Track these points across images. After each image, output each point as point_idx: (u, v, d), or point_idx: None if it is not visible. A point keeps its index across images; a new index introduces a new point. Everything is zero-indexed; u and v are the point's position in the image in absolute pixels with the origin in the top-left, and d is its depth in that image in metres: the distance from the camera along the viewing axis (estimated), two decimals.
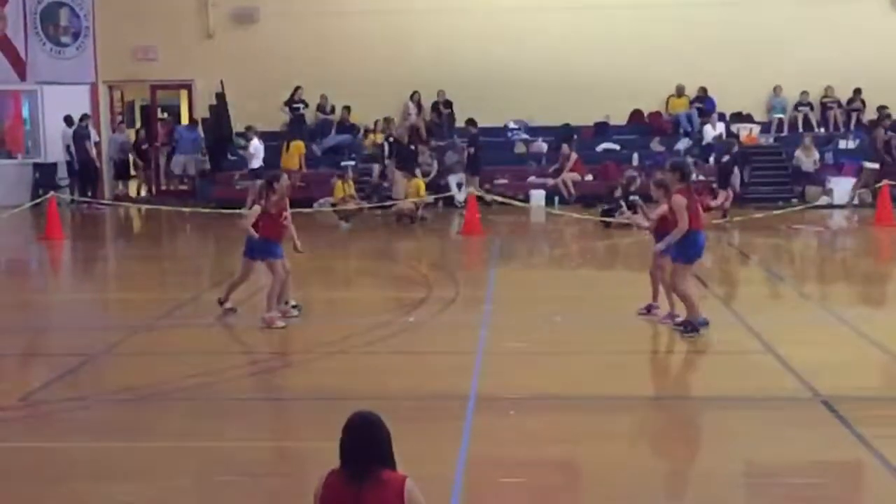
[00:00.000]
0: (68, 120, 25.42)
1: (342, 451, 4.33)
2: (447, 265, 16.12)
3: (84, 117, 25.45)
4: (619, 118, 26.53)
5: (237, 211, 19.92)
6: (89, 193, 24.70)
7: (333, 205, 21.40)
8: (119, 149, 26.98)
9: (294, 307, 11.54)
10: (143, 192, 26.88)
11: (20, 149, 26.98)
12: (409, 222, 20.82)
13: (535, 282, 12.43)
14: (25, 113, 26.88)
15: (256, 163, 23.32)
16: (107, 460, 7.15)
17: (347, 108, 25.98)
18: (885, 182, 20.52)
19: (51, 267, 17.91)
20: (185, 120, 28.69)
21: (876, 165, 23.05)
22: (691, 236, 10.32)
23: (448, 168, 24.11)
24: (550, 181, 24.15)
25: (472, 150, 23.78)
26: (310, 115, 26.34)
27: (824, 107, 25.98)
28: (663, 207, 10.71)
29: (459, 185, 23.55)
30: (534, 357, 10.27)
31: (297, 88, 25.79)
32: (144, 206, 23.84)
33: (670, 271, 10.81)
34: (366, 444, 4.29)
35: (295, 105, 25.90)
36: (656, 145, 25.62)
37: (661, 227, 10.82)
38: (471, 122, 24.30)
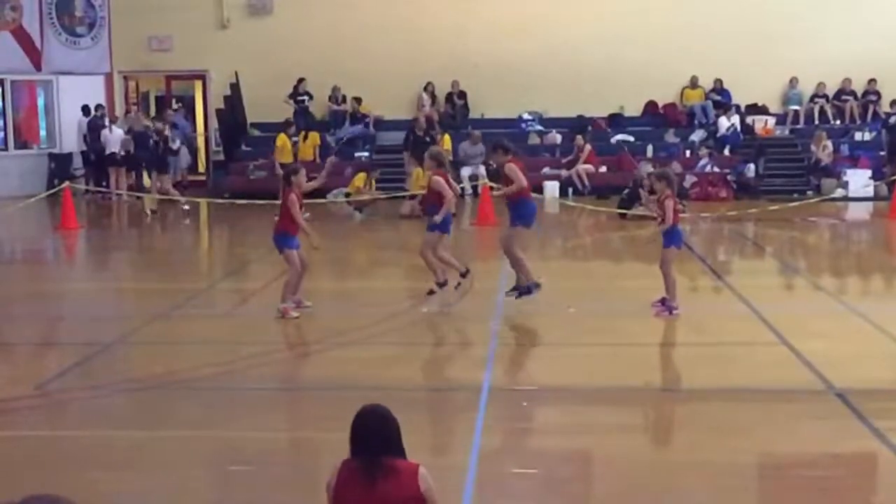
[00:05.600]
0: (85, 110, 25.51)
1: (353, 443, 4.35)
2: (460, 256, 16.09)
3: (98, 107, 25.54)
4: (634, 109, 26.48)
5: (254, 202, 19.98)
6: (104, 183, 24.77)
7: (347, 194, 21.39)
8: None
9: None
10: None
11: (35, 139, 27.06)
12: (421, 215, 20.73)
13: (549, 273, 12.40)
14: (41, 103, 26.95)
15: (110, 149, 23.85)
16: (121, 449, 7.18)
17: (357, 100, 25.99)
18: None
19: (66, 256, 17.97)
20: (199, 111, 28.75)
21: None
22: (527, 203, 11.35)
23: (461, 161, 24.03)
24: (564, 172, 24.12)
25: None
26: (319, 107, 26.31)
27: (840, 99, 25.86)
28: (668, 203, 10.85)
29: (473, 178, 23.48)
30: (547, 348, 10.28)
31: (300, 80, 25.76)
32: (158, 197, 23.87)
33: (661, 258, 11.06)
34: (376, 437, 4.32)
35: (299, 97, 25.88)
36: (671, 137, 25.59)
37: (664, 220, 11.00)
38: None
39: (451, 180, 11.81)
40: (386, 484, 4.24)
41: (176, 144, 24.69)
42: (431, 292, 11.71)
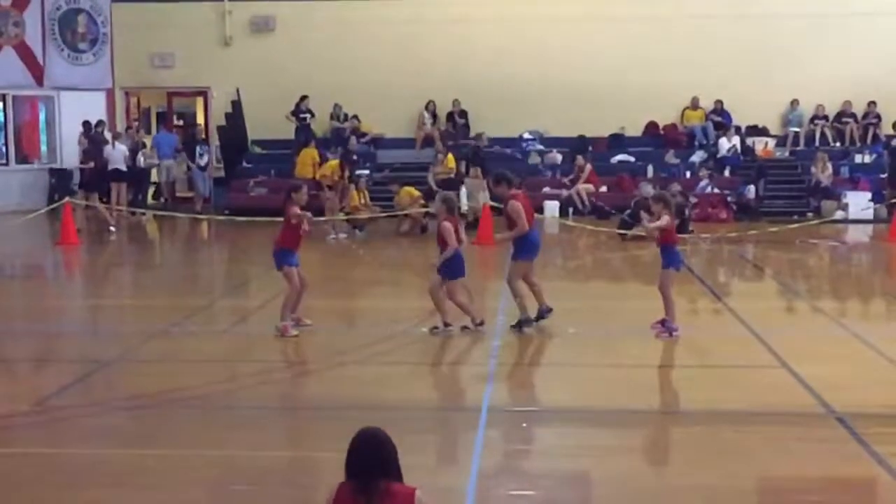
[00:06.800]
0: (86, 125, 25.54)
1: (349, 467, 4.35)
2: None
3: (100, 123, 25.58)
4: (635, 130, 26.54)
5: (253, 219, 20.01)
6: (105, 199, 24.77)
7: (347, 213, 21.39)
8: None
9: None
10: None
11: (36, 154, 27.09)
12: (419, 233, 20.68)
13: (549, 293, 12.37)
14: (42, 118, 27.00)
15: (112, 165, 23.97)
16: (119, 467, 7.16)
17: (357, 118, 26.03)
18: None
19: (66, 272, 17.96)
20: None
21: None
22: (530, 235, 11.26)
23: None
24: (565, 192, 24.15)
25: None
26: (321, 125, 26.38)
27: (840, 121, 25.93)
28: (663, 220, 10.90)
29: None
30: (546, 369, 10.29)
31: (302, 98, 25.87)
32: (159, 213, 23.92)
33: (660, 279, 11.07)
34: (373, 460, 4.33)
35: (301, 115, 25.96)
36: (671, 157, 25.64)
37: (662, 240, 11.04)
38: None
39: (461, 230, 11.49)
40: None
41: (204, 161, 24.77)
42: (465, 327, 11.36)
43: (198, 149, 24.77)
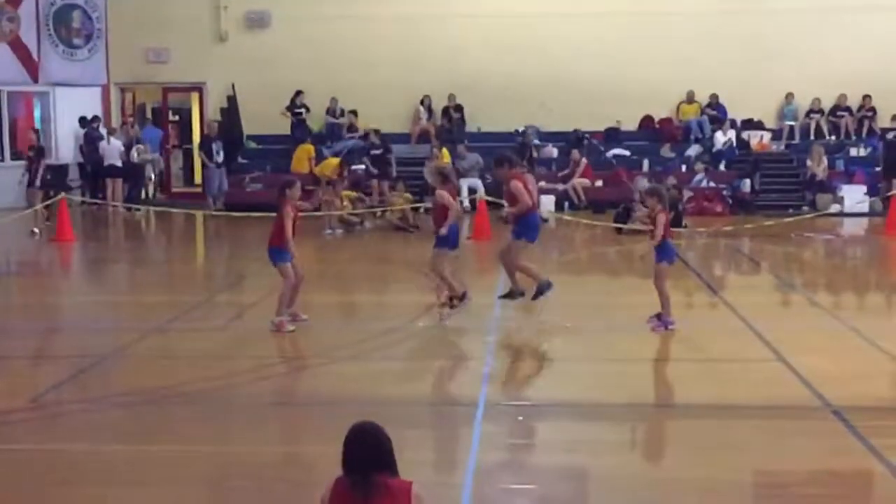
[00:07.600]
0: (82, 121, 25.52)
1: (345, 461, 4.35)
2: (456, 270, 16.07)
3: (95, 119, 25.55)
4: (630, 124, 26.53)
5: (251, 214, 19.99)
6: (100, 195, 24.77)
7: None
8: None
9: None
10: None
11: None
12: (407, 231, 20.58)
13: None
14: (37, 114, 26.94)
15: (108, 160, 24.22)
16: (116, 464, 7.16)
17: (354, 112, 26.01)
18: None
19: (61, 268, 17.93)
20: (195, 123, 28.78)
21: None
22: (531, 216, 11.24)
23: (461, 174, 24.02)
24: (560, 187, 24.15)
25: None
26: (317, 120, 26.36)
27: (836, 115, 25.94)
28: (659, 219, 10.94)
29: (472, 191, 23.48)
30: (543, 363, 10.29)
31: (297, 93, 25.87)
32: (155, 209, 23.89)
33: (654, 273, 11.03)
34: (369, 454, 4.32)
35: (297, 110, 25.94)
36: (667, 151, 25.65)
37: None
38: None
39: (456, 196, 11.66)
40: (378, 501, 4.23)
41: (220, 157, 24.70)
42: (445, 305, 11.48)
43: (214, 146, 24.65)
